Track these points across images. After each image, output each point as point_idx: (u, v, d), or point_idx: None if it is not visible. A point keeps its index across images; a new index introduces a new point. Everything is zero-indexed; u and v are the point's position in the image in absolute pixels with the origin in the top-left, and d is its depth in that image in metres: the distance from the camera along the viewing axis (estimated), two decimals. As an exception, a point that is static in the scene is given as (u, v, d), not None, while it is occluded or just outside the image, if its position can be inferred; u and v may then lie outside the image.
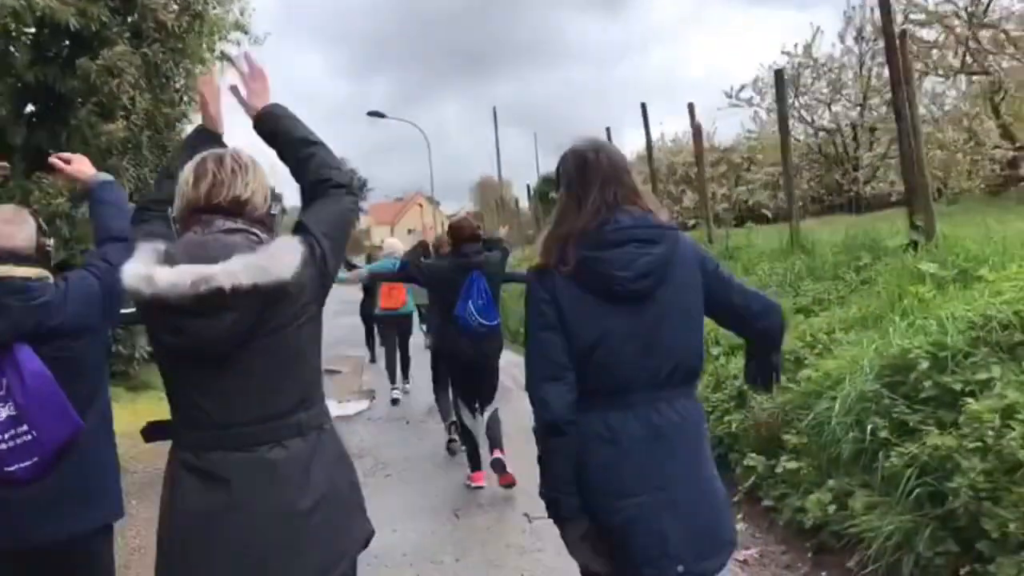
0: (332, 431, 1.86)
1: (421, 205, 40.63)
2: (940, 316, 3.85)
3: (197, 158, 1.84)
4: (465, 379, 5.45)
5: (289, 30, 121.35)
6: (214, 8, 9.67)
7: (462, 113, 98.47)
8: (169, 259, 1.69)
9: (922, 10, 13.49)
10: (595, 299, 1.90)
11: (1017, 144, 13.88)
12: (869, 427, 3.57)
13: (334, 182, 1.87)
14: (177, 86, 9.70)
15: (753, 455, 4.49)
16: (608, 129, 12.77)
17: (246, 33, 10.55)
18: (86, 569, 2.34)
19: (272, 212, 1.86)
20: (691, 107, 11.07)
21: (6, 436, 2.12)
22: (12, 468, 2.13)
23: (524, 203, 24.27)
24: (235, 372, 1.72)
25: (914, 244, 5.65)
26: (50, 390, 2.15)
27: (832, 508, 3.64)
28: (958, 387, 3.34)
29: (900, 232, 6.19)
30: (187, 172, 1.81)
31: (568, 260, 1.92)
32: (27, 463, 2.14)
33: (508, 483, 5.11)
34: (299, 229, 1.82)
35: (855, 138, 17.56)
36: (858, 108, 17.28)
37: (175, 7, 9.05)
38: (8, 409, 2.13)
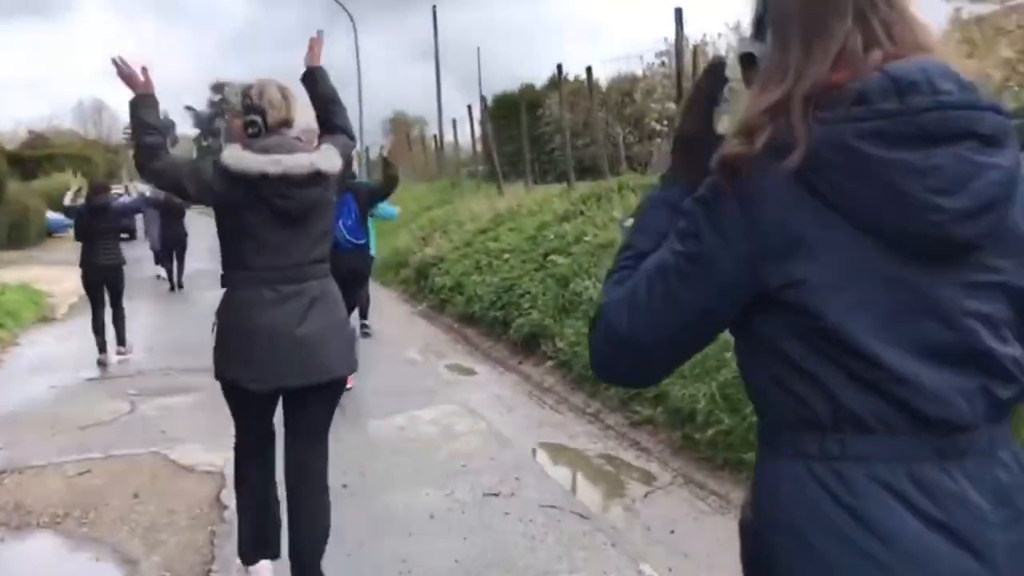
0: (332, 280, 3.08)
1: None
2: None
3: (274, 84, 2.97)
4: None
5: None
6: None
7: (372, 48, 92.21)
8: (264, 150, 2.82)
9: None
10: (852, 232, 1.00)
11: None
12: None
13: (350, 133, 3.20)
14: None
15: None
16: (560, 66, 12.61)
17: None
18: None
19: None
20: None
21: None
22: None
23: (449, 138, 22.67)
24: (301, 229, 2.89)
25: None
26: None
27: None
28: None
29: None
30: (273, 96, 2.92)
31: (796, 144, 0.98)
32: None
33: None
34: (335, 146, 3.04)
35: None
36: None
37: None
38: None
